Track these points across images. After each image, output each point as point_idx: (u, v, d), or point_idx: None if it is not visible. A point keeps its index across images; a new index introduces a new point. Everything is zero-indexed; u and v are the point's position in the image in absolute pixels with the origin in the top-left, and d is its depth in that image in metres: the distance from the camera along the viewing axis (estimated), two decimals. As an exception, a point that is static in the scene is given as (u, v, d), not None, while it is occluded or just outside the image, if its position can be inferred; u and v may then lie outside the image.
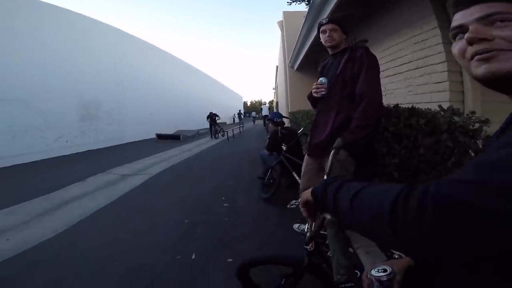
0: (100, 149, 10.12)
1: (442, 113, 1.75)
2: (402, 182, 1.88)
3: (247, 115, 40.49)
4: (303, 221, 2.30)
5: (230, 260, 1.97)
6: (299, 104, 8.75)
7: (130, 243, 2.36)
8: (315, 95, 1.85)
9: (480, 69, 0.44)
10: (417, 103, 2.71)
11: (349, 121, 1.65)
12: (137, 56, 14.14)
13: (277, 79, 21.82)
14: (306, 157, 2.02)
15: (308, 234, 0.94)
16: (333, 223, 0.64)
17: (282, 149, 3.22)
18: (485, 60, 0.44)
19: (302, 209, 0.65)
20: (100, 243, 2.39)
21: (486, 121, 1.46)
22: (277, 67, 19.81)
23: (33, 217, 3.11)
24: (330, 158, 1.12)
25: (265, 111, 19.10)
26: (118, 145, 11.16)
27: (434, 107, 1.92)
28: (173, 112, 17.44)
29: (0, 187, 4.82)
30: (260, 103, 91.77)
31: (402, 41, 3.40)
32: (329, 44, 1.83)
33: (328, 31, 1.80)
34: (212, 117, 13.88)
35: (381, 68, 4.14)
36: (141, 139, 12.97)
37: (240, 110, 31.62)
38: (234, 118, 30.75)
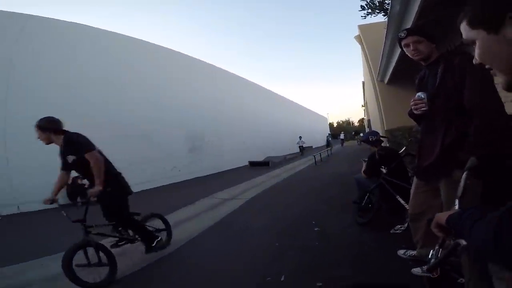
0: (204, 176, 11.71)
1: None
2: None
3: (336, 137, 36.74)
4: (410, 247, 2.03)
5: (320, 284, 1.92)
6: (396, 121, 7.87)
7: (229, 262, 2.59)
8: (415, 112, 1.67)
9: None
10: None
11: (461, 138, 1.43)
12: (230, 89, 16.22)
13: (365, 95, 20.38)
14: (415, 180, 1.85)
15: (432, 260, 0.86)
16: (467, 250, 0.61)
17: (381, 171, 2.94)
18: None
19: (435, 230, 0.66)
20: (206, 260, 2.72)
21: None
22: (363, 82, 18.61)
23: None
24: (462, 181, 1.01)
25: (342, 136, 31.15)
26: (217, 172, 12.64)
27: None
28: (263, 139, 18.66)
29: (133, 208, 6.25)
30: (348, 123, 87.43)
31: None
32: (417, 58, 1.68)
33: (411, 44, 1.66)
34: None
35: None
36: (236, 166, 14.31)
37: (328, 134, 30.31)
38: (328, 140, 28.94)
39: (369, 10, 7.16)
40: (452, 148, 1.47)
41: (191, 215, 4.78)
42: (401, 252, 2.10)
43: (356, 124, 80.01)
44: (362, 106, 29.36)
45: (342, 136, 32.59)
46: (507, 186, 1.69)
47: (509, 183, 1.68)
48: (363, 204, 3.07)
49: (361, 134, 29.18)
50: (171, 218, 4.59)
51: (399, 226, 2.59)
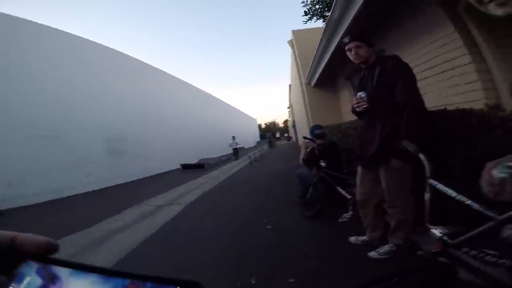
0: (128, 182, 10.48)
1: (490, 110, 1.76)
2: (465, 180, 1.82)
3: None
4: (359, 233, 2.24)
5: (292, 280, 1.90)
6: (322, 121, 8.68)
7: (188, 274, 2.32)
8: (357, 109, 1.90)
9: (499, 11, 0.59)
10: (450, 104, 2.78)
11: (395, 131, 1.68)
12: (158, 88, 15.06)
13: (291, 97, 21.89)
14: (360, 169, 2.06)
15: (445, 237, 0.94)
16: None
17: (320, 165, 3.17)
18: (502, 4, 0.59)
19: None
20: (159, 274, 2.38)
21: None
22: (290, 85, 19.95)
23: (83, 249, 3.23)
24: (423, 158, 1.21)
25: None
26: (146, 177, 11.52)
27: (468, 106, 2.05)
28: (195, 141, 17.97)
29: (46, 220, 5.18)
30: (274, 124, 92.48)
31: (422, 47, 3.46)
32: (358, 61, 1.91)
33: (353, 49, 1.88)
34: None
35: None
36: (166, 170, 13.34)
37: (269, 133, 31.33)
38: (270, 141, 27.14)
39: (310, 15, 8.46)
40: (388, 140, 1.71)
41: (120, 226, 4.15)
42: (352, 238, 2.28)
43: (281, 125, 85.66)
44: (288, 108, 31.33)
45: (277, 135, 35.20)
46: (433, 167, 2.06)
47: (435, 165, 2.05)
48: (307, 197, 3.25)
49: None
50: (94, 231, 3.96)
51: (345, 215, 2.83)
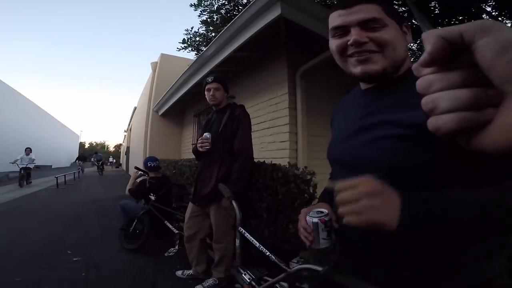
0: None
1: (290, 168, 2.37)
2: (269, 221, 2.28)
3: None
4: (185, 267, 2.27)
5: None
6: (160, 153, 8.15)
7: None
8: (200, 149, 2.00)
9: (357, 69, 0.56)
10: (267, 158, 3.00)
11: (230, 174, 1.93)
12: None
13: (132, 121, 19.27)
14: (191, 205, 2.14)
15: (251, 280, 1.05)
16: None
17: (150, 198, 3.07)
18: (362, 62, 0.55)
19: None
20: None
21: (313, 173, 2.10)
22: (135, 108, 17.68)
23: None
24: (235, 206, 1.30)
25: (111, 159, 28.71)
26: None
27: (278, 162, 2.44)
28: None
29: None
30: (102, 146, 77.65)
31: (261, 102, 3.83)
32: (212, 102, 2.07)
33: (212, 89, 2.02)
34: None
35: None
36: None
37: (97, 154, 21.29)
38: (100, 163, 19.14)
39: (187, 45, 8.31)
40: (223, 182, 1.86)
41: None
42: (179, 273, 2.26)
43: (112, 149, 74.88)
44: (125, 131, 27.26)
45: (111, 159, 29.47)
46: (248, 209, 2.46)
47: (250, 207, 2.44)
48: (131, 230, 2.98)
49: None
50: None
51: (172, 249, 2.81)
